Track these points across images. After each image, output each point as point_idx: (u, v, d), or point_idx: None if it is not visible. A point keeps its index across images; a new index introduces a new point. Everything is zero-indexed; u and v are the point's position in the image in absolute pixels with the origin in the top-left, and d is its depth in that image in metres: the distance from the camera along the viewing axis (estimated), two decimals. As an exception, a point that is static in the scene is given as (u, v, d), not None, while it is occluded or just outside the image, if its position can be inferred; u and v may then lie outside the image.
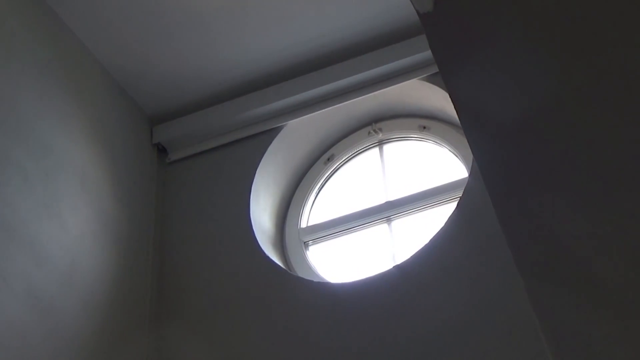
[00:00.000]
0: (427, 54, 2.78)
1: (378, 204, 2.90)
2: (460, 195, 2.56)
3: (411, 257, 2.48)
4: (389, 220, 2.85)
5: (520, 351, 2.14)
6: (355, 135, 3.14)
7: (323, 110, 3.01)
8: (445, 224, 2.49)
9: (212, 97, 3.11)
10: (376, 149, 3.11)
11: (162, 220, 2.97)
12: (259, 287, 2.66)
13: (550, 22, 1.36)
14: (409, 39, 2.89)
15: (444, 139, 2.91)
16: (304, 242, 2.94)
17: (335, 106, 2.99)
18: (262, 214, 2.93)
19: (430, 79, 2.86)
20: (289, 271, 2.73)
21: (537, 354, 1.92)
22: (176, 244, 2.90)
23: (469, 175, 2.60)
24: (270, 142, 3.01)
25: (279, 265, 2.71)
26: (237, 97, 3.09)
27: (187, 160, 3.11)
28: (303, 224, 3.00)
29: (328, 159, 3.13)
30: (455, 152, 2.87)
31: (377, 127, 3.10)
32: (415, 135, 3.03)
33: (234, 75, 3.06)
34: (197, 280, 2.76)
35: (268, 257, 2.71)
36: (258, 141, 3.03)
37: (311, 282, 2.63)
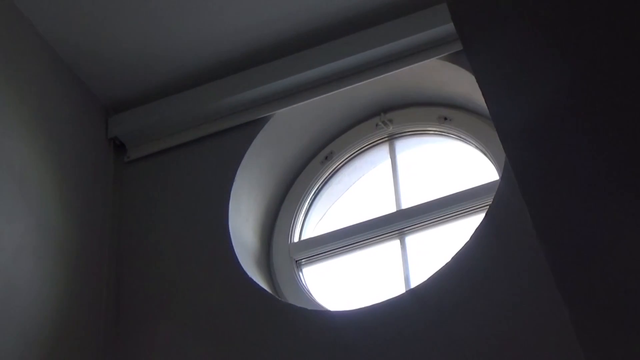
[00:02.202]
0: (449, 27, 2.78)
1: (388, 214, 2.90)
2: (490, 202, 2.56)
3: (429, 279, 2.48)
4: (401, 233, 2.85)
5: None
6: (360, 128, 3.14)
7: (320, 97, 3.01)
8: (471, 238, 2.49)
9: (181, 81, 3.11)
10: (386, 145, 3.12)
11: (120, 232, 2.97)
12: (239, 315, 2.66)
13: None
14: (426, 8, 2.90)
15: (469, 132, 2.92)
16: (296, 261, 2.94)
17: (335, 92, 2.99)
18: (243, 226, 2.93)
19: (453, 59, 2.86)
20: (276, 296, 2.73)
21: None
22: (137, 261, 2.90)
23: (501, 178, 2.60)
24: (254, 137, 3.01)
25: (265, 290, 2.71)
26: (211, 81, 3.09)
27: (149, 159, 3.11)
28: (295, 238, 3.00)
29: (326, 158, 3.14)
30: (483, 150, 2.87)
31: (386, 118, 3.10)
32: (434, 129, 3.04)
33: (208, 54, 3.06)
34: (162, 307, 2.77)
35: (251, 279, 2.71)
36: (238, 136, 3.03)
37: (304, 310, 2.63)
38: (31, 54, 2.91)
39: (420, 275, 2.66)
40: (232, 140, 3.04)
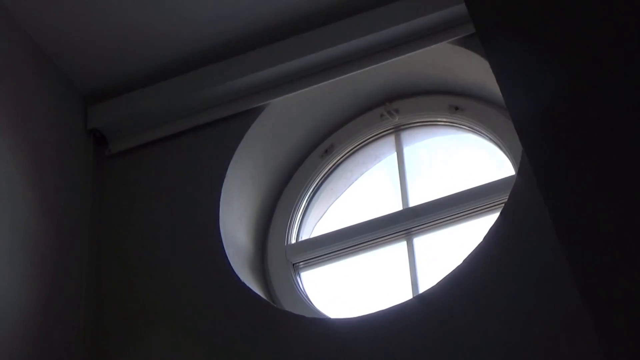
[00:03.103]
0: (460, 8, 2.77)
1: (394, 213, 2.90)
2: (506, 200, 2.56)
3: (438, 284, 2.48)
4: (408, 234, 2.86)
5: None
6: (363, 119, 3.15)
7: (319, 84, 3.01)
8: (485, 239, 2.49)
9: (166, 68, 3.10)
10: (391, 138, 3.12)
11: (101, 233, 2.97)
12: (231, 324, 2.66)
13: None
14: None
15: (482, 123, 2.92)
16: (294, 265, 2.94)
17: (336, 79, 2.99)
18: (236, 226, 2.93)
19: (465, 43, 2.86)
20: (271, 303, 2.73)
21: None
22: (119, 264, 2.90)
23: (517, 173, 2.60)
24: (247, 129, 3.01)
25: (259, 295, 2.71)
26: (200, 67, 3.09)
27: (132, 152, 3.11)
28: (292, 240, 3.00)
29: (325, 151, 3.14)
30: (498, 142, 2.87)
31: (392, 107, 3.10)
32: (444, 119, 3.04)
33: (197, 38, 3.05)
34: (147, 315, 2.77)
35: (244, 285, 2.71)
36: (230, 127, 3.03)
37: (302, 318, 2.63)
38: (3, 38, 2.90)
39: (428, 279, 2.66)
40: (222, 133, 3.03)
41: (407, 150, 3.08)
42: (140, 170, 3.08)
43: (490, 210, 2.77)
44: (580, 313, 1.44)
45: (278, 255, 2.96)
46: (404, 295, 2.67)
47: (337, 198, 3.13)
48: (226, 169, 2.94)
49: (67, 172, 2.98)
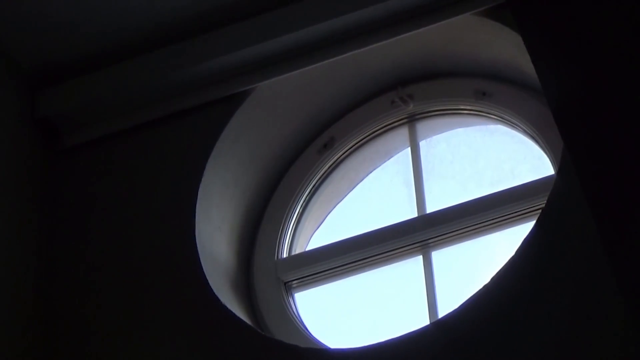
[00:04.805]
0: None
1: (407, 221, 2.90)
2: (543, 205, 2.56)
3: (461, 307, 2.47)
4: (425, 246, 2.86)
5: None
6: (370, 107, 3.15)
7: (317, 65, 3.01)
8: (517, 253, 2.48)
9: (131, 44, 3.10)
10: (404, 129, 3.12)
11: (51, 240, 2.98)
12: (209, 354, 2.66)
13: None
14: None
15: (515, 112, 2.91)
16: (285, 283, 2.94)
17: (336, 58, 2.99)
18: (215, 236, 2.93)
19: (493, 14, 2.86)
20: (258, 330, 2.73)
21: None
22: (72, 279, 2.90)
23: (557, 172, 2.59)
24: (229, 119, 3.01)
25: (243, 321, 2.70)
26: (171, 44, 3.08)
27: (90, 147, 3.12)
28: (283, 253, 3.00)
29: (324, 146, 3.14)
30: (534, 135, 2.87)
31: (405, 93, 3.10)
32: (469, 107, 3.04)
33: (168, 7, 3.05)
34: (104, 343, 2.77)
35: (224, 307, 2.71)
36: (208, 116, 3.04)
37: (296, 348, 2.63)
38: None
39: (449, 302, 2.65)
40: (199, 124, 3.04)
41: (423, 144, 3.08)
42: (98, 169, 3.08)
43: (524, 218, 2.77)
44: (632, 340, 1.43)
45: (267, 272, 2.96)
46: (418, 320, 2.67)
47: (338, 203, 3.14)
48: (203, 167, 2.94)
49: (11, 168, 2.98)
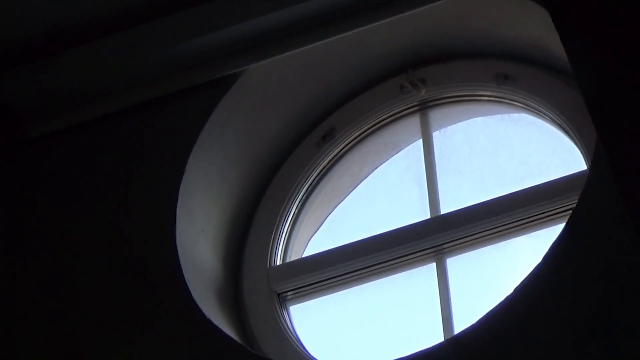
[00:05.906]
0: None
1: (419, 223, 2.91)
2: (574, 205, 2.54)
3: (479, 322, 2.45)
4: (439, 252, 2.86)
5: None
6: (376, 93, 3.16)
7: (315, 44, 3.01)
8: (544, 260, 2.46)
9: (103, 20, 3.09)
10: (415, 118, 3.13)
11: (14, 243, 2.99)
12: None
13: None
14: None
15: (542, 98, 2.91)
16: (279, 295, 2.94)
17: (338, 37, 2.99)
18: (199, 241, 2.94)
19: (517, -13, 2.87)
20: (247, 348, 2.72)
21: None
22: (37, 289, 2.90)
23: (590, 167, 2.58)
24: (215, 105, 3.01)
25: (230, 337, 2.70)
26: (150, 20, 3.08)
27: (56, 137, 3.13)
28: (276, 261, 3.00)
29: (324, 137, 3.14)
30: (564, 124, 2.86)
31: (416, 76, 3.11)
32: (489, 92, 3.05)
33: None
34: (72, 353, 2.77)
35: (210, 322, 2.70)
36: (192, 103, 3.04)
37: (291, 368, 2.63)
38: None
39: (466, 316, 2.63)
40: (181, 111, 3.04)
41: (436, 136, 3.08)
42: (66, 162, 3.09)
43: (552, 220, 2.78)
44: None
45: (258, 281, 2.96)
46: (431, 337, 2.65)
47: (339, 203, 3.14)
48: (185, 161, 2.95)
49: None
